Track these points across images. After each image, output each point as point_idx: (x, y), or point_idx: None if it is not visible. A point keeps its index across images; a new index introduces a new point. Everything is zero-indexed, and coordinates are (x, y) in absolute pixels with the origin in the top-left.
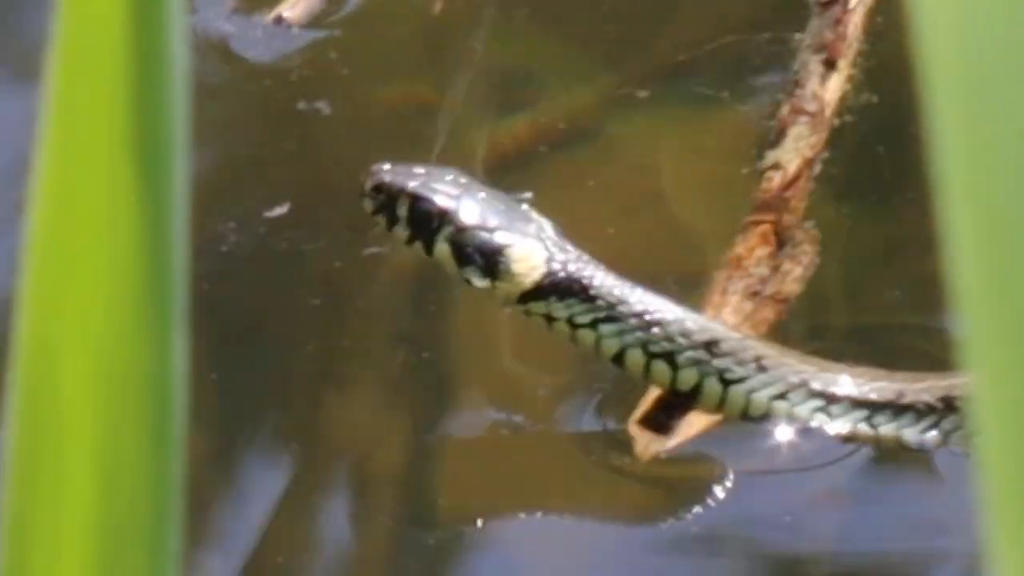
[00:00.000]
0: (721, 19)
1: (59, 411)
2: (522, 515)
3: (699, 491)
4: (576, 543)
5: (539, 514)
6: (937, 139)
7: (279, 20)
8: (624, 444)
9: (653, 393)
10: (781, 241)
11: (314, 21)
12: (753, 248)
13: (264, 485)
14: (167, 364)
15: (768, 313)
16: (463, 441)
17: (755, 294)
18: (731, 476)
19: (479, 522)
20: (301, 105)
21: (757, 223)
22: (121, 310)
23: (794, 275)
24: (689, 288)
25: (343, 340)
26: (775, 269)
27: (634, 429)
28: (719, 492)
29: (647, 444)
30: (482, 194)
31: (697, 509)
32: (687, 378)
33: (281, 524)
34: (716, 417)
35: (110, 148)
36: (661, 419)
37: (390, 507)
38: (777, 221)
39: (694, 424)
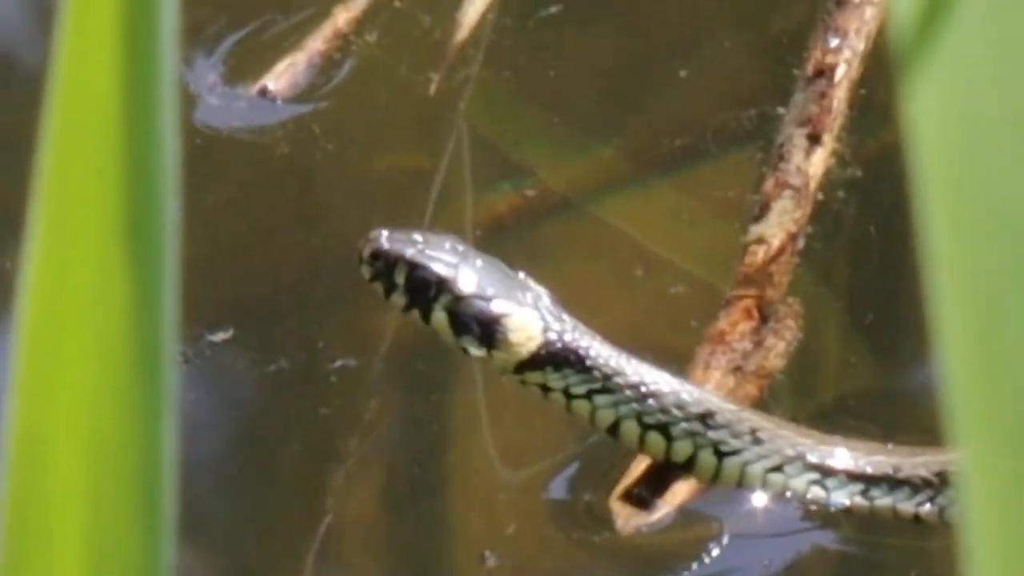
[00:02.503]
0: (707, 93)
1: (48, 498)
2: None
3: (686, 557)
4: None
5: None
6: (925, 219)
7: (264, 92)
8: (604, 519)
9: (635, 468)
10: (764, 316)
11: (299, 94)
12: (736, 323)
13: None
14: (157, 449)
15: (751, 388)
16: (453, 502)
17: (738, 369)
18: (719, 541)
19: None
20: (290, 176)
21: (740, 297)
22: (111, 394)
23: (777, 350)
24: (674, 362)
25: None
26: (758, 344)
27: (615, 504)
28: (705, 558)
29: (628, 518)
30: (479, 262)
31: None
32: (682, 450)
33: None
34: (698, 485)
35: (101, 231)
36: (643, 494)
37: (384, 559)
38: (760, 296)
39: (677, 494)
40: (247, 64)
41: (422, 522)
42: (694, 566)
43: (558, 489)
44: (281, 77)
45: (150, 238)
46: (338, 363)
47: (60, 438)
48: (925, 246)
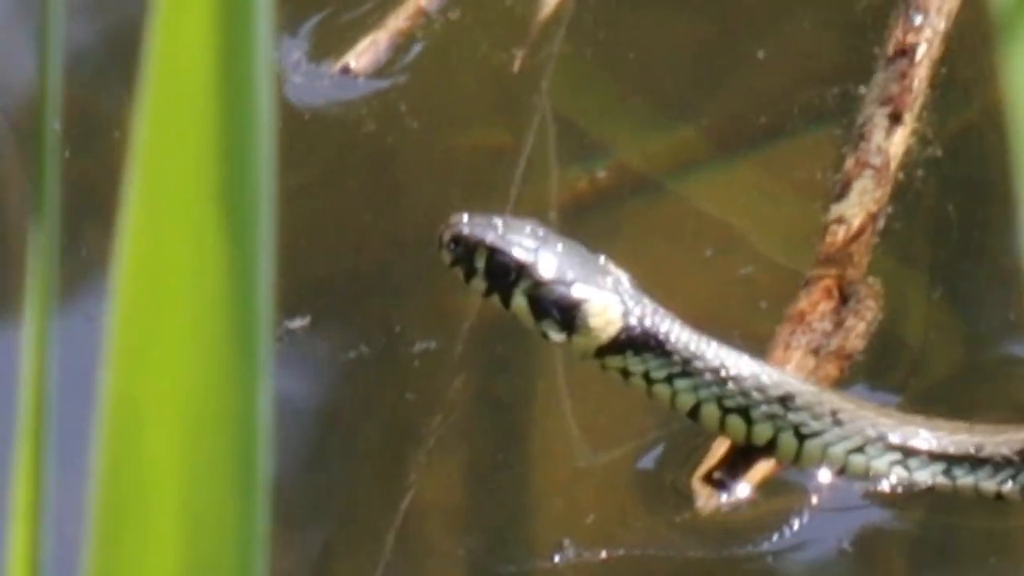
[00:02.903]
0: (788, 72)
1: (144, 466)
2: (590, 555)
3: (765, 531)
4: None
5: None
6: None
7: (346, 70)
8: (686, 498)
9: (716, 450)
10: (845, 296)
11: (381, 72)
12: (816, 303)
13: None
14: (253, 416)
15: (831, 369)
16: (534, 484)
17: (818, 349)
18: (797, 516)
19: (555, 558)
20: (374, 154)
21: (821, 277)
22: (207, 365)
23: (857, 331)
24: (754, 343)
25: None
26: (838, 324)
27: (697, 484)
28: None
29: (708, 498)
30: (560, 246)
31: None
32: (762, 432)
33: (362, 562)
34: (776, 466)
35: (197, 200)
36: (722, 476)
37: (465, 540)
38: (841, 276)
39: (756, 474)
40: (330, 42)
41: (502, 503)
42: (773, 538)
43: (640, 471)
44: (363, 55)
45: (247, 210)
46: (419, 345)
47: (155, 408)
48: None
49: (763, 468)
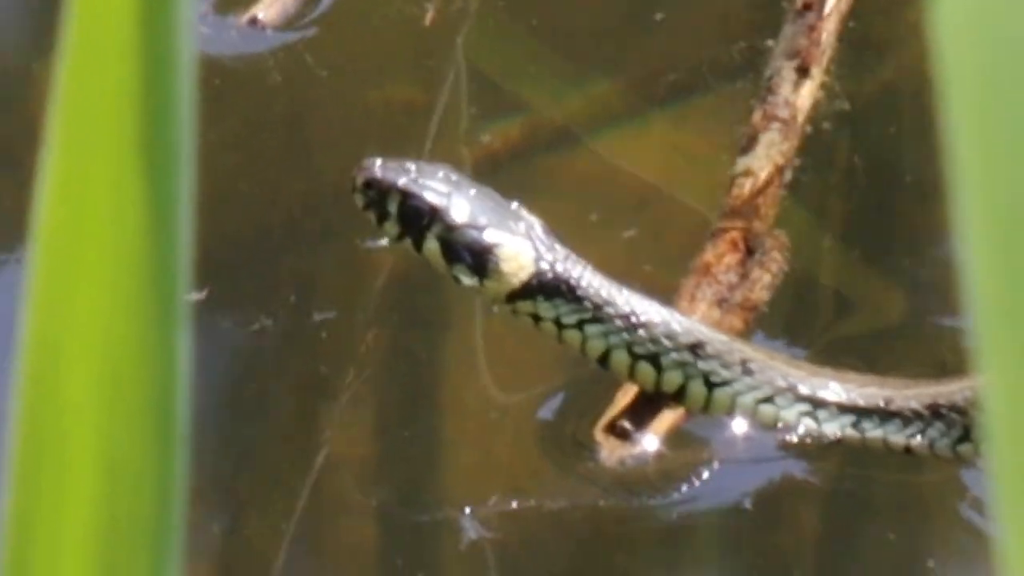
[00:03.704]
0: (702, 28)
1: (63, 412)
2: (500, 505)
3: (671, 483)
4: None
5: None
6: (952, 136)
7: (254, 22)
8: (589, 448)
9: (620, 399)
10: (751, 248)
11: (288, 23)
12: (722, 255)
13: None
14: (172, 364)
15: (736, 321)
16: (445, 436)
17: (723, 301)
18: (704, 468)
19: (466, 509)
20: (282, 107)
21: (727, 230)
22: (126, 310)
23: (763, 283)
24: (667, 295)
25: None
26: (744, 277)
27: (600, 435)
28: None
29: (613, 450)
30: (472, 191)
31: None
32: (672, 380)
33: (275, 516)
34: (680, 416)
35: (117, 149)
36: (626, 426)
37: (376, 492)
38: (747, 228)
39: (660, 424)
40: None
41: (415, 456)
42: (683, 489)
43: (549, 422)
44: (271, 7)
45: (166, 159)
46: (332, 300)
47: (75, 354)
48: (952, 169)
49: (669, 418)
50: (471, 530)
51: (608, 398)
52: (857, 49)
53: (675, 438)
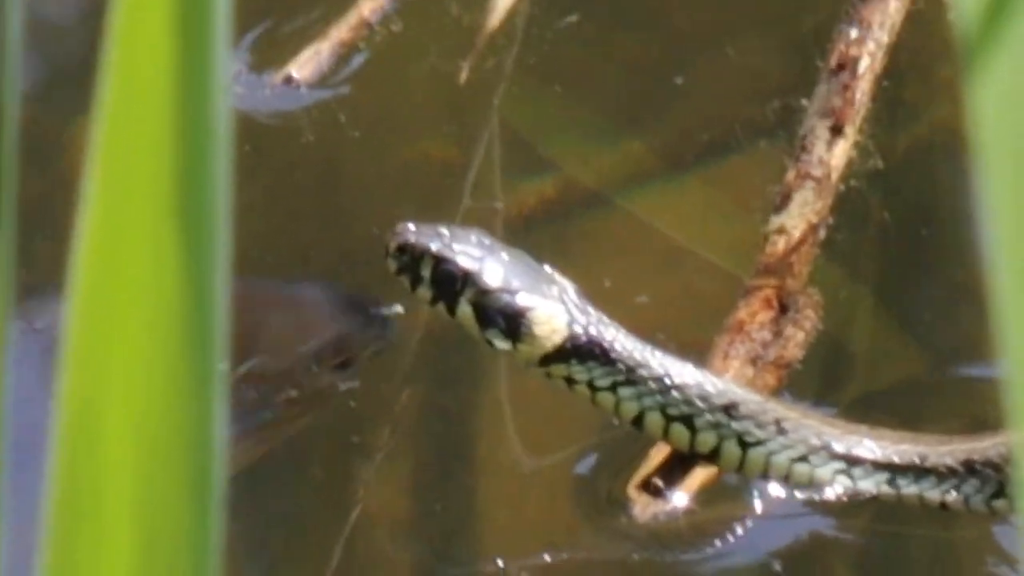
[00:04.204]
0: (734, 88)
1: (99, 477)
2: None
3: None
4: None
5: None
6: (987, 203)
7: (288, 80)
8: (623, 504)
9: (654, 457)
10: (784, 306)
11: (322, 80)
12: (755, 313)
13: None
14: (208, 426)
15: (770, 378)
16: (479, 492)
17: (757, 359)
18: (737, 524)
19: (499, 562)
20: (317, 166)
21: (760, 287)
22: (162, 374)
23: (796, 340)
24: (701, 355)
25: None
26: (777, 334)
27: (633, 492)
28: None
29: (646, 506)
30: (505, 255)
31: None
32: (706, 441)
33: (308, 562)
34: (713, 473)
35: (153, 211)
36: (659, 483)
37: (410, 547)
38: (780, 286)
39: (693, 482)
40: (272, 53)
41: (449, 514)
42: (715, 544)
43: (581, 478)
44: (305, 65)
45: (203, 220)
46: (368, 357)
47: (111, 416)
48: (986, 237)
49: (701, 475)
50: None
51: (642, 455)
52: (892, 108)
53: (708, 494)
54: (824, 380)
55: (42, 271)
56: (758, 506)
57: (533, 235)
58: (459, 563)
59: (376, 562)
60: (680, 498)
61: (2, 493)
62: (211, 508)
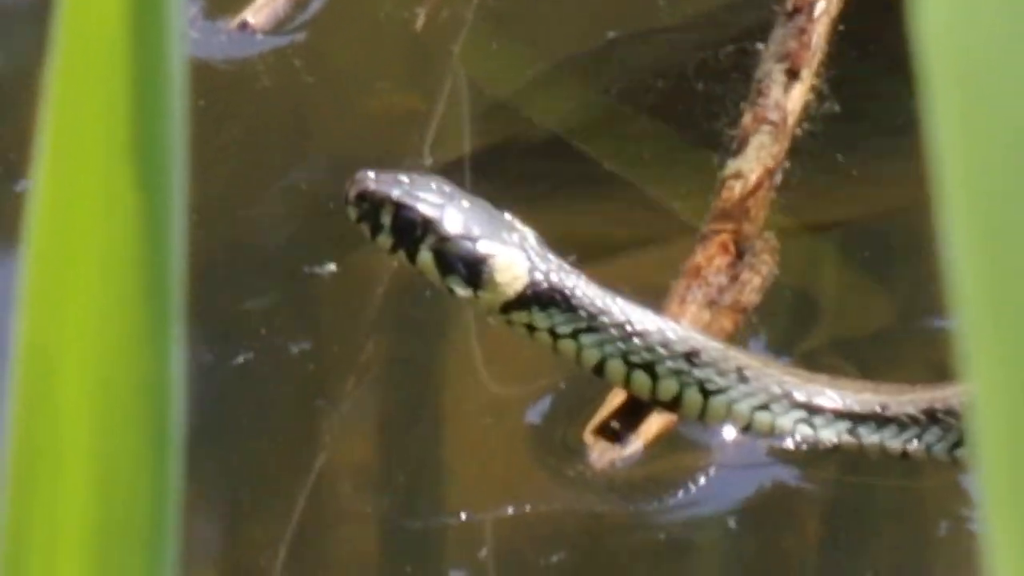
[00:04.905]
0: (694, 32)
1: (57, 418)
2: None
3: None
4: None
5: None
6: (935, 137)
7: (244, 26)
8: (579, 452)
9: (610, 402)
10: (740, 251)
11: (278, 26)
12: (712, 257)
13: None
14: (165, 370)
15: (726, 323)
16: (443, 441)
17: (713, 303)
18: (698, 473)
19: (462, 515)
20: (275, 113)
21: (717, 232)
22: (119, 316)
23: (753, 285)
24: (661, 299)
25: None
26: (734, 279)
27: (589, 438)
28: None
29: (602, 452)
30: (466, 203)
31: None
32: (668, 388)
33: (273, 524)
34: (670, 419)
35: (108, 155)
36: (615, 428)
37: (375, 499)
38: (737, 230)
39: (650, 427)
40: None
41: (414, 464)
42: (676, 496)
43: (544, 426)
44: (261, 11)
45: (159, 165)
46: (332, 307)
47: (68, 358)
48: (937, 172)
49: (659, 422)
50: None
51: (600, 400)
52: (844, 50)
53: (666, 443)
54: (782, 327)
55: (5, 220)
56: (720, 455)
57: (495, 181)
58: (421, 516)
59: (341, 514)
60: (637, 446)
61: None
62: (169, 453)
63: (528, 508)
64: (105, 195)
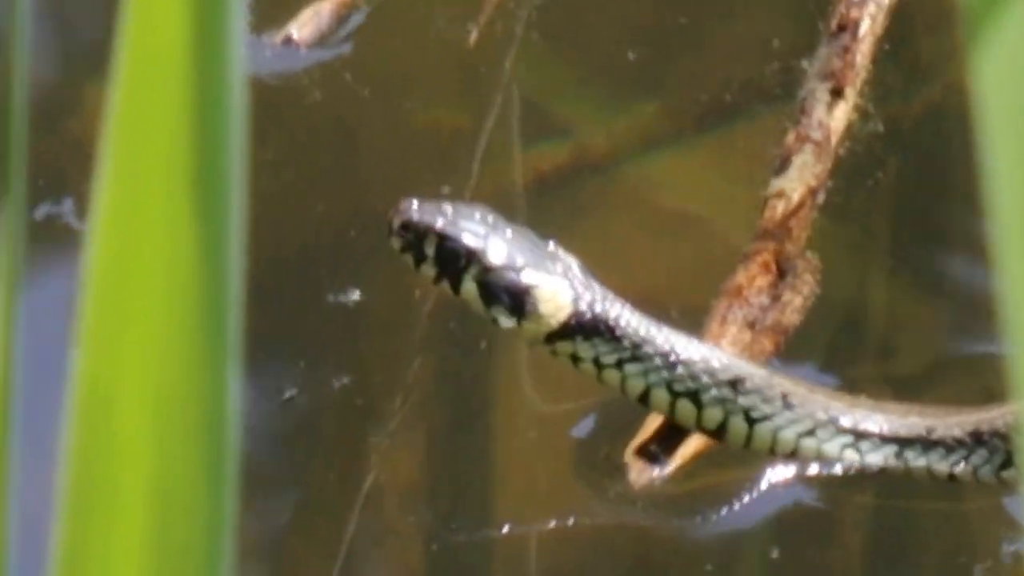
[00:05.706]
0: (744, 50)
1: (113, 448)
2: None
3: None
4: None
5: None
6: (990, 162)
7: (288, 41)
8: (623, 469)
9: (649, 425)
10: (782, 271)
11: (322, 40)
12: (754, 277)
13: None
14: (223, 404)
15: (767, 343)
16: (482, 457)
17: (754, 324)
18: (733, 495)
19: (505, 528)
20: (323, 129)
21: (758, 252)
22: (178, 347)
23: (794, 305)
24: (701, 317)
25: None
26: (775, 299)
27: (630, 457)
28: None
29: (640, 472)
30: (509, 232)
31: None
32: (712, 416)
33: (322, 530)
34: (708, 443)
35: (169, 173)
36: (654, 451)
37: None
38: (779, 250)
39: (688, 449)
40: (271, 13)
41: (461, 479)
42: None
43: (587, 440)
44: (305, 25)
45: (218, 189)
46: (380, 326)
47: (125, 390)
48: (989, 199)
49: (696, 444)
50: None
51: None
52: (889, 70)
53: (707, 463)
54: (826, 348)
55: (59, 238)
56: (762, 472)
57: (544, 200)
58: (467, 530)
59: (389, 531)
60: (674, 467)
61: (14, 467)
62: (226, 486)
63: (573, 522)
64: (166, 213)
